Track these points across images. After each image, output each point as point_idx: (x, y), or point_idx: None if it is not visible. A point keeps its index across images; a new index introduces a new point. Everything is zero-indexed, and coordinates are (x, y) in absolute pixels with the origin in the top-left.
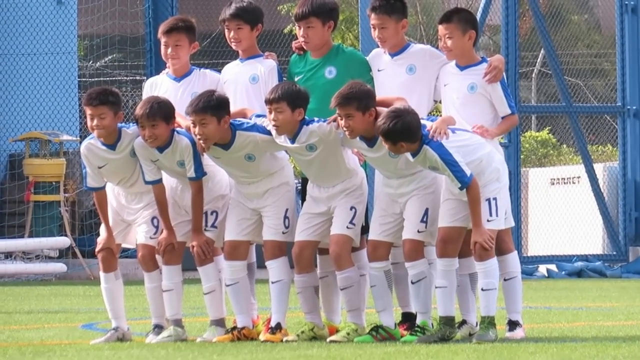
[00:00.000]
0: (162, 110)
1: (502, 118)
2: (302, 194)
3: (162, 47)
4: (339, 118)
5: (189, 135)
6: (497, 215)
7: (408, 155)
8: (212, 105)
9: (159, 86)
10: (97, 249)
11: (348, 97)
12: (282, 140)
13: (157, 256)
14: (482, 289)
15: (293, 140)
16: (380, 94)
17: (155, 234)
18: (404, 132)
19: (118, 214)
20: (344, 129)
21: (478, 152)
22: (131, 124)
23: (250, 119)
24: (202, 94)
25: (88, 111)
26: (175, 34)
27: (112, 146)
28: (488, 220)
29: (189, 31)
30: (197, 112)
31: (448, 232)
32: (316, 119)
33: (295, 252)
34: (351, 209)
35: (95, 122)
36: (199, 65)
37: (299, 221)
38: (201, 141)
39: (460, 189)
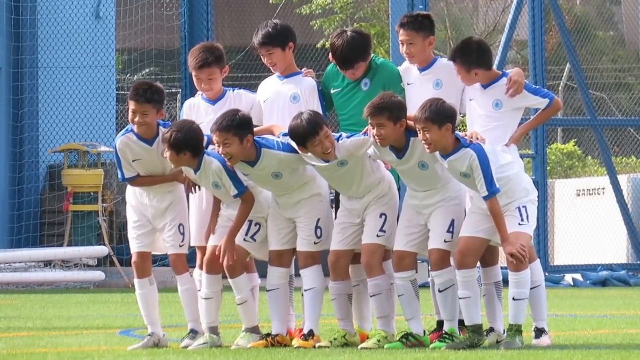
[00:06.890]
0: (178, 144)
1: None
2: (335, 203)
3: (195, 80)
4: (370, 127)
5: (219, 155)
6: (528, 221)
7: (441, 158)
8: (235, 125)
9: (195, 108)
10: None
11: (380, 107)
12: (315, 160)
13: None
14: (513, 299)
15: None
16: (409, 107)
17: (183, 241)
18: (440, 112)
19: (142, 214)
20: (376, 137)
21: (507, 171)
22: (170, 122)
23: (279, 137)
24: (225, 113)
25: (132, 106)
26: (206, 69)
27: (149, 142)
28: (520, 224)
29: (219, 61)
30: (221, 131)
31: (468, 242)
32: (344, 134)
33: (332, 261)
34: (381, 216)
35: (137, 118)
36: (234, 79)
37: (334, 231)
38: (226, 159)
39: (485, 198)
